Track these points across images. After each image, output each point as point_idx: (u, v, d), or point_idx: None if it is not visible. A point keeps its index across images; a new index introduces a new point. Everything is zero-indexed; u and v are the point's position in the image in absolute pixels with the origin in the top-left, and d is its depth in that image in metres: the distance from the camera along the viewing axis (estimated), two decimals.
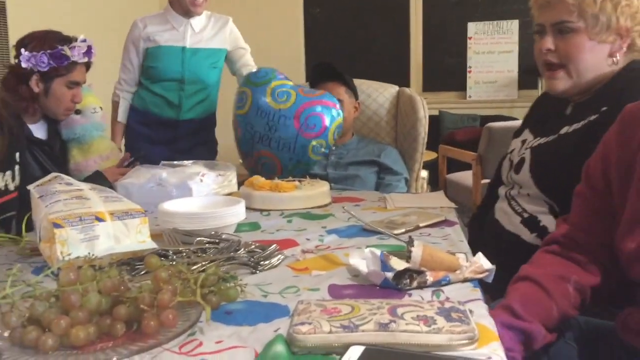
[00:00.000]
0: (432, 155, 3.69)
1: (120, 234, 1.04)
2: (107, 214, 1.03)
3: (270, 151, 1.84)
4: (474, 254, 1.00)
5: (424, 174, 3.55)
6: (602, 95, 1.25)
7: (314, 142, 1.79)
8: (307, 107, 1.80)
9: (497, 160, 1.54)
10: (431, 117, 4.44)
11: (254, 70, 2.45)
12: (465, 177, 3.42)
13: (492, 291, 1.26)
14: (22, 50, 1.72)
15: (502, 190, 1.43)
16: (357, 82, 2.29)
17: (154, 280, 0.80)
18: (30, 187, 1.17)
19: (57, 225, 0.97)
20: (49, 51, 1.72)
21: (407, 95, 2.31)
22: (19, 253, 1.15)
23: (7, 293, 0.75)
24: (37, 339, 0.70)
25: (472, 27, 4.87)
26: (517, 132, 1.49)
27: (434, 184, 3.71)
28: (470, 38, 4.88)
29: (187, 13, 2.33)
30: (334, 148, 2.02)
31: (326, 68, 2.18)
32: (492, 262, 0.97)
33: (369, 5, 5.04)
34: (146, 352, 0.71)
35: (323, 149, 1.84)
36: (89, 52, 1.81)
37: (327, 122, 1.82)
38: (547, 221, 1.26)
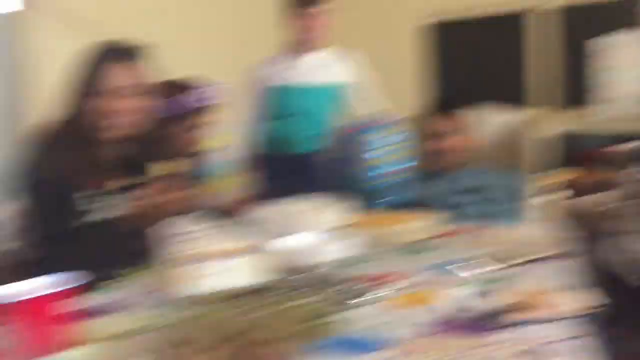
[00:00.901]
0: (560, 176, 3.51)
1: (245, 268, 1.16)
2: (233, 250, 1.16)
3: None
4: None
5: (549, 197, 3.40)
6: None
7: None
8: None
9: None
10: (558, 137, 4.25)
11: (377, 102, 2.52)
12: (592, 200, 3.22)
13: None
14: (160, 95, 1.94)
15: None
16: (469, 110, 2.28)
17: (261, 318, 0.90)
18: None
19: (196, 261, 1.10)
20: (177, 96, 1.93)
21: (522, 120, 2.27)
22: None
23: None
24: None
25: (597, 42, 4.58)
26: None
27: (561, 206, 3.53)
28: (594, 53, 4.60)
29: (305, 49, 2.46)
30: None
31: (440, 101, 2.22)
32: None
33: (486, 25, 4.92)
34: None
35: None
36: (211, 95, 1.99)
37: None
38: None
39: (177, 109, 1.93)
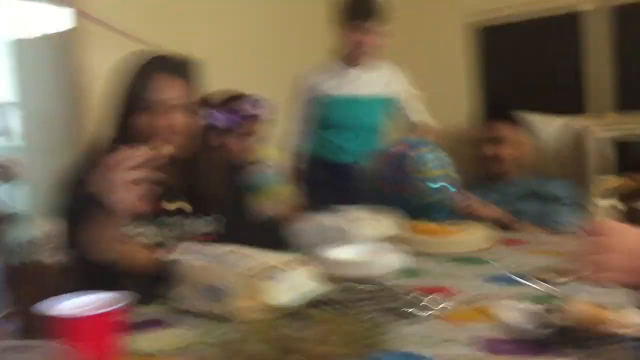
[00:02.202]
0: (623, 181, 3.38)
1: (302, 281, 1.14)
2: (285, 264, 1.14)
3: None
4: None
5: (615, 203, 3.27)
6: None
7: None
8: None
9: None
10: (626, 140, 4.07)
11: (425, 115, 2.52)
12: None
13: None
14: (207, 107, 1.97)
15: None
16: (524, 116, 2.23)
17: (316, 333, 0.88)
18: (174, 257, 1.21)
19: (261, 279, 1.08)
20: (226, 108, 1.96)
21: (573, 128, 2.19)
22: None
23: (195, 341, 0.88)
24: None
25: None
26: None
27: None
28: None
29: (353, 62, 2.46)
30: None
31: (497, 108, 2.20)
32: None
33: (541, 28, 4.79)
34: None
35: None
36: (259, 106, 2.01)
37: None
38: None
39: (232, 118, 1.95)
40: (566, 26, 4.69)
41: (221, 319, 1.04)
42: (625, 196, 3.17)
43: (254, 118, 2.02)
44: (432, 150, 1.88)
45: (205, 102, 2.02)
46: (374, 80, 2.49)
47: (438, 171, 1.80)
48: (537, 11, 4.67)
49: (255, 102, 2.00)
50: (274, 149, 2.15)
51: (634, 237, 0.88)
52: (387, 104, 2.52)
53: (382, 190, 1.92)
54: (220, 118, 1.95)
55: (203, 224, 1.49)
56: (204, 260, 1.15)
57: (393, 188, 1.86)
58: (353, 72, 2.47)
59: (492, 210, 1.95)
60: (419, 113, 2.50)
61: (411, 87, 2.55)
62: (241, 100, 1.99)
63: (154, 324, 1.12)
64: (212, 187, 1.50)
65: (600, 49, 4.59)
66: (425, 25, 4.99)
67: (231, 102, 1.97)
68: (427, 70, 4.69)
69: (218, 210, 1.51)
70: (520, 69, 4.86)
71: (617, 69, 4.53)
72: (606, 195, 2.65)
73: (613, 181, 3.37)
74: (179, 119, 1.39)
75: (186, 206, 1.47)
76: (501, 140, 2.11)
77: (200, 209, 1.48)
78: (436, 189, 1.78)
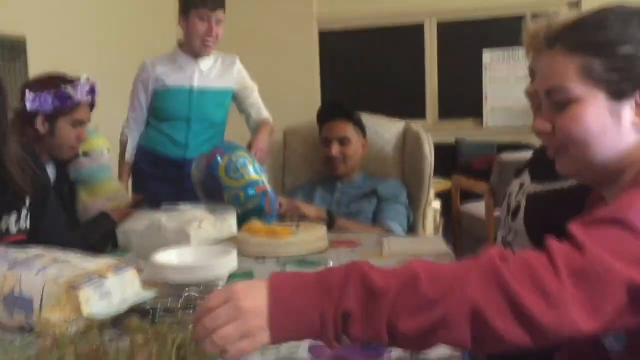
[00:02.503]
0: (447, 184, 3.67)
1: (122, 287, 1.04)
2: (105, 270, 1.04)
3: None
4: None
5: (437, 204, 3.54)
6: None
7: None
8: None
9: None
10: (447, 145, 4.47)
11: (261, 108, 2.49)
12: (480, 208, 3.38)
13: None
14: (27, 91, 1.77)
15: (499, 234, 1.41)
16: (364, 118, 2.31)
17: (130, 345, 0.81)
18: None
19: (75, 287, 0.96)
20: (52, 91, 1.77)
21: (413, 132, 2.31)
22: None
23: None
24: None
25: (487, 55, 4.86)
26: (518, 172, 1.45)
27: (448, 214, 3.68)
28: (485, 65, 4.87)
29: (197, 54, 2.38)
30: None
31: (335, 107, 2.23)
32: None
33: (385, 35, 5.09)
34: None
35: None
36: (92, 91, 1.85)
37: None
38: None
39: (64, 102, 1.76)
40: (411, 37, 5.02)
41: (24, 331, 0.92)
42: (453, 197, 3.45)
43: (87, 103, 1.85)
44: (247, 154, 1.82)
45: (32, 85, 1.81)
46: (212, 72, 2.43)
47: (253, 176, 1.72)
48: (387, 21, 4.95)
49: (89, 87, 1.84)
50: (104, 140, 1.99)
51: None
52: (224, 97, 2.46)
53: (200, 195, 1.84)
54: (49, 102, 1.76)
55: (12, 222, 1.34)
56: (4, 265, 1.01)
57: (208, 195, 1.79)
58: (193, 63, 2.39)
59: (316, 210, 1.97)
60: (256, 107, 2.48)
61: (249, 80, 2.52)
62: (74, 83, 1.81)
63: None
64: (17, 178, 1.35)
65: (441, 57, 5.00)
66: (277, 24, 5.04)
67: (62, 84, 1.79)
68: (275, 69, 4.78)
69: (28, 206, 1.36)
70: (365, 73, 5.12)
71: (439, 81, 4.99)
72: (435, 197, 2.84)
73: (441, 183, 3.65)
74: None
75: None
76: (347, 140, 2.16)
77: (4, 205, 1.34)
78: (252, 195, 1.70)
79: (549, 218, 1.19)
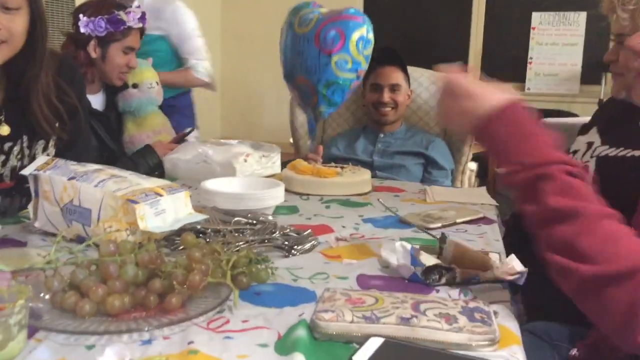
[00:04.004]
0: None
1: (175, 207, 1.06)
2: (160, 190, 1.06)
3: (303, 76, 1.81)
4: (509, 254, 0.99)
5: (473, 166, 3.50)
6: None
7: (335, 58, 1.74)
8: (326, 25, 1.76)
9: None
10: None
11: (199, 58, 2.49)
12: None
13: (529, 300, 1.24)
14: (81, 16, 1.79)
15: None
16: (410, 70, 2.28)
17: (188, 259, 0.84)
18: (28, 170, 1.10)
19: (133, 202, 0.98)
20: (106, 16, 1.79)
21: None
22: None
23: (51, 259, 0.80)
24: (76, 304, 0.75)
25: (537, 17, 4.70)
26: (584, 129, 1.38)
27: (484, 176, 3.65)
28: (533, 28, 4.72)
29: None
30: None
31: (389, 52, 2.19)
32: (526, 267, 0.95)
33: None
34: (176, 325, 0.74)
35: (349, 65, 1.78)
36: (143, 17, 1.86)
37: (346, 35, 1.73)
38: None
39: (116, 27, 1.77)
40: None
41: (84, 240, 0.96)
42: (487, 160, 3.41)
43: (137, 30, 1.86)
44: None
45: (85, 10, 1.83)
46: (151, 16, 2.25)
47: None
48: None
49: (141, 13, 1.84)
50: (154, 73, 2.00)
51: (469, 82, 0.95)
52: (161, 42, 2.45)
53: None
54: (102, 26, 1.78)
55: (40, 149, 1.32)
56: (64, 176, 1.04)
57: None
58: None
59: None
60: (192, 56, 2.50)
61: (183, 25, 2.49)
62: (126, 10, 1.82)
63: (10, 242, 1.01)
64: (40, 119, 1.27)
65: (478, 21, 4.85)
66: None
67: (115, 10, 1.80)
68: None
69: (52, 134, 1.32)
70: (409, 30, 5.02)
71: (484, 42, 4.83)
72: (472, 158, 2.81)
73: (479, 145, 3.61)
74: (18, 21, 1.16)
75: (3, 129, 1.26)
76: (398, 87, 2.13)
77: (24, 132, 1.28)
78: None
79: (620, 183, 1.16)
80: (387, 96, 2.11)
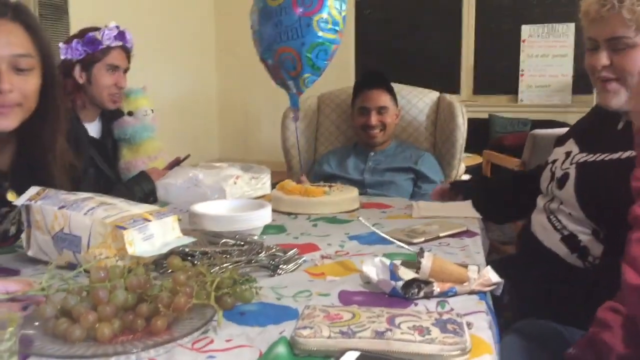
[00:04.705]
0: (478, 159, 3.66)
1: (164, 231, 1.10)
2: (148, 215, 1.09)
3: (285, 45, 1.85)
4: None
5: (466, 178, 3.54)
6: None
7: (315, 18, 1.79)
8: None
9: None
10: (481, 121, 4.45)
11: None
12: None
13: (520, 308, 1.27)
14: (60, 44, 1.85)
15: (540, 201, 1.40)
16: (398, 88, 2.33)
17: (173, 282, 0.87)
18: (20, 201, 1.11)
19: (121, 227, 1.02)
20: (80, 39, 1.85)
21: (446, 102, 2.33)
22: None
23: (43, 286, 0.84)
24: (66, 330, 0.78)
25: (526, 30, 4.78)
26: (560, 141, 1.43)
27: None
28: (523, 41, 4.79)
29: None
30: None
31: (375, 76, 2.25)
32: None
33: (422, 7, 5.02)
34: (160, 346, 0.77)
35: (329, 25, 1.82)
36: (121, 36, 1.90)
37: None
38: (589, 242, 1.23)
39: (93, 47, 1.83)
40: (449, 8, 4.95)
41: (75, 266, 0.99)
42: (484, 170, 3.45)
43: (118, 47, 1.91)
44: None
45: (65, 40, 1.89)
46: None
47: None
48: None
49: (117, 32, 1.89)
50: (148, 100, 2.06)
51: None
52: None
53: None
54: (79, 48, 1.83)
55: None
56: (55, 205, 1.08)
57: None
58: None
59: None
60: None
61: None
62: (99, 30, 1.87)
63: (4, 271, 1.05)
64: (57, 180, 1.25)
65: (468, 35, 4.92)
66: None
67: (89, 32, 1.86)
68: None
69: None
70: (400, 45, 5.08)
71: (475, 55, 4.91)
72: (464, 172, 2.85)
73: (472, 158, 3.64)
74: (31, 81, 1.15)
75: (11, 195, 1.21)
76: (385, 109, 2.18)
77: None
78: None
79: (603, 187, 1.20)
80: (374, 119, 2.16)
